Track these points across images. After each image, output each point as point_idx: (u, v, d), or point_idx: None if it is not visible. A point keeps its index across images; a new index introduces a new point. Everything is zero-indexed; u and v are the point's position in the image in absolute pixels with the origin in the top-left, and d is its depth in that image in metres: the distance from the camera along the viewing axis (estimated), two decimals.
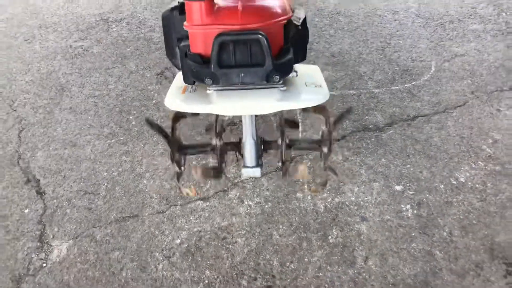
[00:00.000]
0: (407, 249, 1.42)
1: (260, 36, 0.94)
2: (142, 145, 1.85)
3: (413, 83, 2.15)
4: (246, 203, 1.58)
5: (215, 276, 1.35)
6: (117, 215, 1.56)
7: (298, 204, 1.57)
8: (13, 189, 1.68)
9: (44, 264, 1.42)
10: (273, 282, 1.33)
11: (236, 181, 1.66)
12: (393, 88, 2.13)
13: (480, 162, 1.71)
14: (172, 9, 1.12)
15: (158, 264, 1.39)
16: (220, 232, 1.49)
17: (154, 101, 2.12)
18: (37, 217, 1.57)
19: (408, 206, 1.56)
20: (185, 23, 1.01)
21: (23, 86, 2.29)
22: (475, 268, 1.35)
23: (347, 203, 1.57)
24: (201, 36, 0.99)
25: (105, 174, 1.72)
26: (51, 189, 1.67)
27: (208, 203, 1.58)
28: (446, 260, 1.38)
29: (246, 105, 1.09)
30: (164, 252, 1.43)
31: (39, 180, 1.71)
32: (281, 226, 1.49)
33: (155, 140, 1.87)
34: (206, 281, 1.34)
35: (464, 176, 1.66)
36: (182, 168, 1.40)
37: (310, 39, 2.59)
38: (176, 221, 1.53)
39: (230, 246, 1.44)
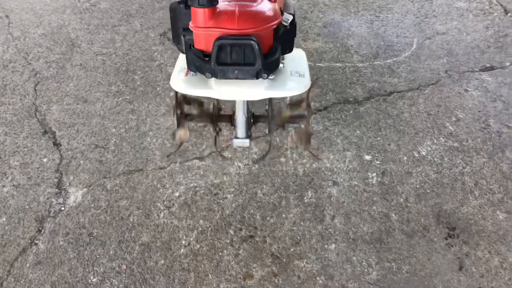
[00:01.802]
0: (368, 211, 1.64)
1: (252, 42, 1.08)
2: (147, 105, 2.01)
3: (394, 59, 2.29)
4: (236, 164, 1.79)
5: (207, 225, 1.58)
6: (124, 168, 1.75)
7: (281, 168, 1.77)
8: (32, 140, 1.86)
9: (62, 208, 1.63)
10: (255, 233, 1.57)
11: (228, 144, 1.86)
12: (375, 63, 2.27)
13: (441, 138, 1.91)
14: (179, 2, 1.24)
15: (160, 212, 1.62)
16: (213, 188, 1.70)
17: (157, 62, 2.24)
18: (54, 166, 1.76)
19: (374, 174, 1.77)
20: (190, 23, 1.14)
21: (36, 39, 2.40)
22: (422, 230, 1.59)
23: (322, 168, 1.78)
24: (203, 37, 1.13)
25: (114, 130, 1.90)
26: (66, 141, 1.85)
27: (203, 162, 1.78)
28: (399, 222, 1.61)
29: (239, 91, 1.25)
30: (165, 203, 1.65)
31: (55, 132, 1.88)
32: (264, 186, 1.71)
33: (158, 101, 2.03)
34: (200, 229, 1.57)
35: (425, 150, 1.86)
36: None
37: (305, 8, 2.68)
38: (176, 176, 1.73)
39: (221, 201, 1.66)
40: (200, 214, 1.61)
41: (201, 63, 1.16)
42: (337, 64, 2.26)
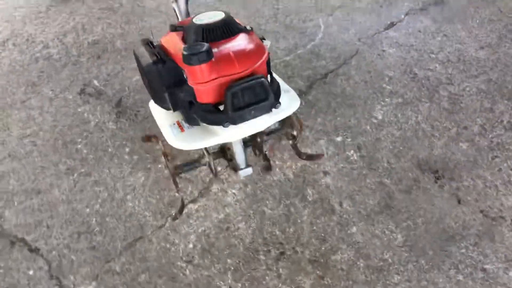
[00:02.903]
0: (365, 186, 1.77)
1: (263, 79, 1.09)
2: (107, 170, 1.87)
3: (312, 43, 2.44)
4: (229, 192, 1.77)
5: (237, 261, 1.56)
6: (123, 244, 1.62)
7: (271, 179, 1.80)
8: (3, 257, 1.61)
9: None
10: (283, 248, 1.59)
11: (210, 176, 1.82)
12: (298, 52, 2.40)
13: (386, 99, 2.11)
14: (154, 62, 1.19)
15: (185, 270, 1.54)
16: (221, 224, 1.67)
17: (92, 123, 2.07)
18: (46, 274, 1.56)
19: (352, 152, 1.90)
20: (189, 82, 1.10)
21: None
22: (414, 183, 1.77)
23: (307, 164, 1.85)
24: (208, 90, 1.10)
25: (88, 210, 1.73)
26: (43, 242, 1.64)
27: (198, 204, 1.73)
28: (394, 184, 1.77)
29: (247, 128, 1.25)
30: (184, 258, 1.57)
31: (24, 239, 1.66)
32: (267, 202, 1.73)
33: (116, 162, 1.89)
34: (232, 268, 1.54)
35: (380, 114, 2.05)
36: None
37: None
38: (179, 229, 1.66)
39: (236, 233, 1.64)
40: (223, 254, 1.58)
41: (213, 116, 1.14)
42: None
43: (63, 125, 2.08)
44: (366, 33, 2.47)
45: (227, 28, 1.17)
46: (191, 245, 1.61)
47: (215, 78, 1.09)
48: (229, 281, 1.51)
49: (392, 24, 2.53)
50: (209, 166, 1.54)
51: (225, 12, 1.22)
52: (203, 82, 1.10)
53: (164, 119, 1.37)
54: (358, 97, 2.12)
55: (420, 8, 2.71)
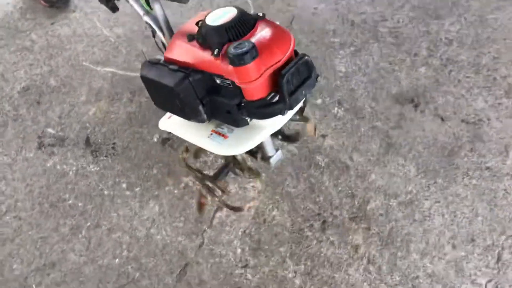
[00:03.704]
0: (363, 134, 1.88)
1: (307, 57, 1.11)
2: (115, 214, 1.75)
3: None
4: (248, 187, 1.77)
5: (289, 246, 1.60)
6: (173, 277, 1.57)
7: (281, 159, 1.84)
8: None
9: None
10: (323, 217, 1.66)
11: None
12: None
13: (340, 51, 2.23)
14: (184, 78, 1.13)
15: (246, 275, 1.54)
16: (257, 219, 1.68)
17: (71, 173, 1.90)
18: None
19: (336, 109, 1.99)
20: (239, 82, 1.07)
21: None
22: (400, 117, 1.92)
23: (305, 138, 1.91)
24: (259, 86, 1.08)
25: (117, 260, 1.62)
26: None
27: (225, 209, 1.72)
28: (385, 124, 1.90)
29: (275, 122, 1.27)
30: (239, 265, 1.57)
31: None
32: (287, 182, 1.76)
33: (120, 201, 1.78)
34: (288, 254, 1.58)
35: (342, 67, 2.15)
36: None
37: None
38: (220, 239, 1.64)
39: (274, 221, 1.67)
40: (273, 245, 1.61)
41: (270, 108, 1.13)
42: None
43: (39, 187, 1.88)
44: None
45: (247, 21, 1.14)
46: (239, 250, 1.61)
47: (266, 70, 1.08)
48: (292, 267, 1.55)
49: None
50: (239, 167, 1.53)
51: (234, 7, 1.20)
52: (255, 79, 1.09)
53: (196, 134, 1.32)
54: (316, 57, 2.20)
55: None
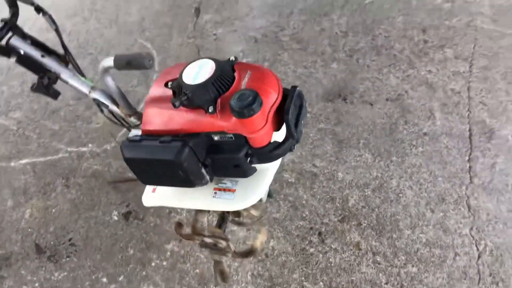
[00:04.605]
0: (315, 139, 1.97)
1: (297, 88, 1.11)
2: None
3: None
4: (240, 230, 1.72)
5: (300, 269, 1.61)
6: None
7: None
8: None
9: None
10: (315, 228, 1.70)
11: None
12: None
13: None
14: (181, 149, 1.05)
15: None
16: (258, 256, 1.65)
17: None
18: None
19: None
20: (248, 133, 1.02)
21: None
22: (336, 111, 2.06)
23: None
24: (267, 130, 1.05)
25: None
26: None
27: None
28: (329, 123, 2.02)
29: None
30: None
31: None
32: (268, 209, 1.77)
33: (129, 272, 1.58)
34: (303, 277, 1.59)
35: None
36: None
37: None
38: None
39: (275, 251, 1.66)
40: (285, 275, 1.61)
41: (280, 149, 1.10)
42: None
43: None
44: None
45: (228, 70, 1.10)
46: None
47: (267, 115, 1.06)
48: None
49: None
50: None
51: (206, 58, 1.14)
52: (264, 125, 1.04)
53: (197, 199, 1.23)
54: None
55: None
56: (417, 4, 2.50)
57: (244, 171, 1.18)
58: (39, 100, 2.15)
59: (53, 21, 1.26)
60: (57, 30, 1.26)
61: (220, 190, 1.24)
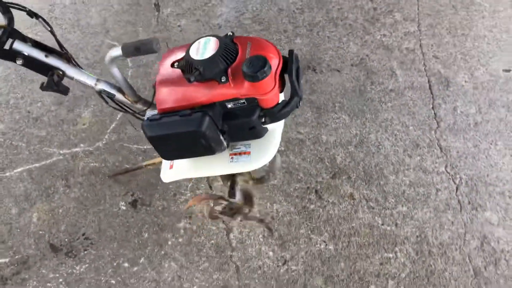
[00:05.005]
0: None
1: (295, 51, 1.22)
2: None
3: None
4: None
5: (305, 224, 1.75)
6: None
7: None
8: None
9: None
10: (312, 188, 1.85)
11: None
12: None
13: None
14: (202, 119, 1.15)
15: (287, 272, 1.66)
16: (265, 220, 1.78)
17: None
18: None
19: None
20: (260, 95, 1.13)
21: None
22: (308, 81, 2.20)
23: None
24: (276, 90, 1.15)
25: None
26: None
27: (235, 231, 1.76)
28: (305, 93, 2.16)
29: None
30: (279, 263, 1.67)
31: None
32: (266, 177, 1.89)
33: (134, 286, 1.65)
34: (309, 230, 1.74)
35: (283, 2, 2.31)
36: None
37: None
38: (250, 254, 1.69)
39: (280, 213, 1.79)
40: (293, 231, 1.74)
41: (289, 106, 1.20)
42: None
43: None
44: None
45: (230, 44, 1.18)
46: (271, 253, 1.69)
47: (277, 73, 1.15)
48: (319, 239, 1.72)
49: None
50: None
51: (207, 35, 1.20)
52: (273, 86, 1.14)
53: (215, 166, 1.32)
54: None
55: None
56: None
57: (258, 132, 1.28)
58: (19, 110, 2.11)
59: (47, 23, 1.29)
60: (52, 31, 1.29)
61: (236, 154, 1.33)
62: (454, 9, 2.43)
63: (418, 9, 2.46)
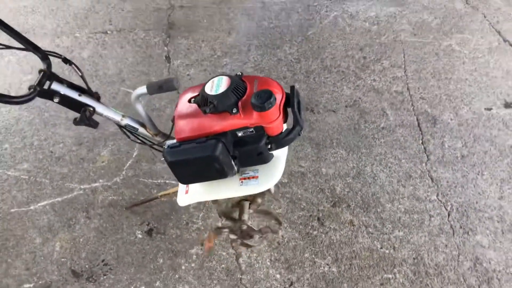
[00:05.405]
0: (296, 145, 2.29)
1: (296, 86, 1.40)
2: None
3: None
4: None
5: (309, 249, 1.86)
6: None
7: None
8: None
9: None
10: (314, 216, 1.99)
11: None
12: None
13: None
14: (216, 145, 1.29)
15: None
16: (272, 245, 1.89)
17: None
18: None
19: None
20: (266, 123, 1.28)
21: None
22: (308, 120, 2.40)
23: None
24: (281, 120, 1.31)
25: None
26: None
27: (244, 256, 1.87)
28: (305, 132, 2.36)
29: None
30: (286, 285, 1.77)
31: None
32: (272, 206, 2.03)
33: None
34: (313, 254, 1.85)
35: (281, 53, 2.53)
36: None
37: None
38: (258, 277, 1.79)
39: (285, 239, 1.91)
40: (298, 255, 1.85)
41: (292, 133, 1.34)
42: None
43: None
44: None
45: (240, 81, 1.34)
46: (278, 276, 1.80)
47: (280, 105, 1.31)
48: (322, 262, 1.83)
49: None
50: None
51: (219, 75, 1.37)
52: (278, 115, 1.29)
53: (227, 190, 1.45)
54: None
55: None
56: (350, 29, 2.98)
57: (265, 157, 1.43)
58: (42, 150, 2.29)
59: (78, 69, 1.49)
60: (82, 76, 1.48)
61: (245, 179, 1.49)
62: (437, 56, 2.69)
63: (404, 57, 2.72)
